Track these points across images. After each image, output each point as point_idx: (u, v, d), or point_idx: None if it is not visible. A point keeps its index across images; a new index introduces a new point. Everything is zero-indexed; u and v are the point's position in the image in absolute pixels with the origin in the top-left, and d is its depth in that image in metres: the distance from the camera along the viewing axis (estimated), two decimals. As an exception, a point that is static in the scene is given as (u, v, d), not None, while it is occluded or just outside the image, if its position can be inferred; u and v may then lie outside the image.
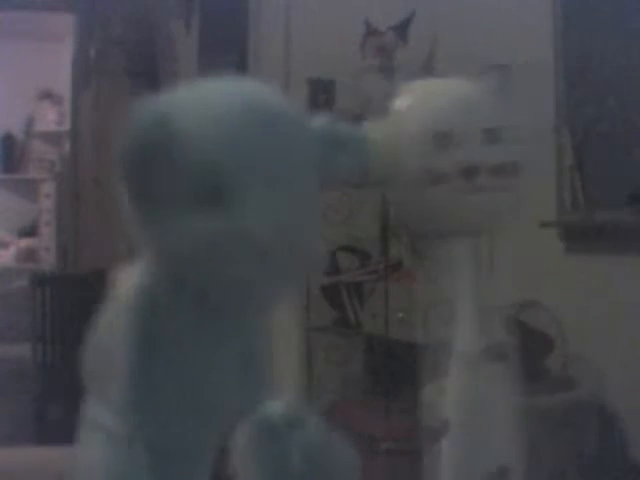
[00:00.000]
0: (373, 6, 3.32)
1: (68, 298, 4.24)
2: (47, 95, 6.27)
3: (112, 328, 1.01)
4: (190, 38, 4.68)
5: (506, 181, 1.36)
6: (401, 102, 1.38)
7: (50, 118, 6.32)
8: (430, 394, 2.74)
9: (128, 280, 1.02)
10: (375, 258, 3.42)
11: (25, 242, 6.30)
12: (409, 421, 2.72)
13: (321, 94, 3.41)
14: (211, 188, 0.94)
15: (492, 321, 1.53)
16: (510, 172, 1.36)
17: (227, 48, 4.44)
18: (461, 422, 1.47)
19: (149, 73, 5.13)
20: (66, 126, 5.98)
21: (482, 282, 1.53)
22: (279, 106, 1.01)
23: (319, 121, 1.07)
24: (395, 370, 3.04)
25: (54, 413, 4.37)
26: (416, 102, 1.39)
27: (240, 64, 4.02)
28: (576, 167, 2.71)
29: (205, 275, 0.96)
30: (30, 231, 6.30)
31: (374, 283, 3.27)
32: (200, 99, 0.98)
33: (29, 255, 6.24)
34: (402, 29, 3.17)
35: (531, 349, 2.65)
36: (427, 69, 3.28)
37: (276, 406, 1.12)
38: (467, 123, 1.35)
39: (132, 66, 5.47)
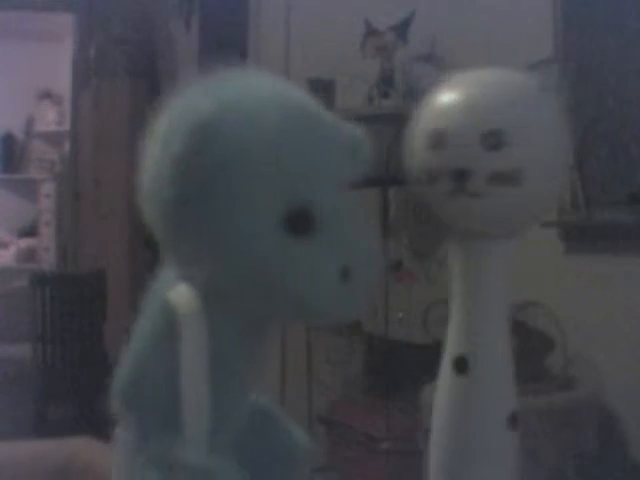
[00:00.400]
0: (373, 6, 3.32)
1: (68, 298, 4.25)
2: (47, 95, 6.27)
3: (169, 351, 0.93)
4: (190, 38, 4.68)
5: (505, 189, 1.29)
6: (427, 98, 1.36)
7: (50, 118, 6.33)
8: (430, 394, 2.74)
9: (170, 295, 0.96)
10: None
11: (25, 242, 6.30)
12: (409, 421, 2.73)
13: (321, 94, 3.41)
14: (299, 206, 0.90)
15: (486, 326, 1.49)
16: (510, 180, 1.29)
17: (227, 48, 4.45)
18: (438, 430, 1.43)
19: (149, 73, 5.14)
20: (66, 126, 5.99)
21: (482, 287, 1.48)
22: (321, 110, 1.00)
23: (346, 126, 1.04)
24: (395, 370, 3.04)
25: (54, 413, 4.38)
26: (428, 97, 1.35)
27: (240, 64, 4.02)
28: (576, 167, 2.71)
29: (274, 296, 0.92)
30: (30, 231, 6.30)
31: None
32: (251, 101, 0.93)
33: (29, 255, 6.24)
34: (402, 29, 3.17)
35: (531, 349, 2.65)
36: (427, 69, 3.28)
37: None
38: (465, 123, 1.29)
39: (132, 66, 5.47)
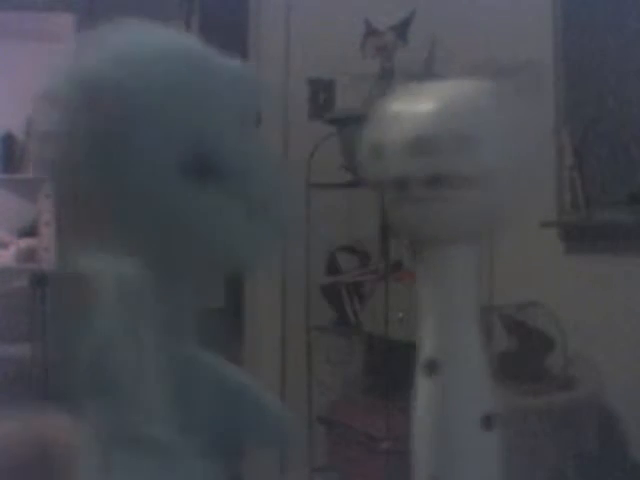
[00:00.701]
0: (373, 6, 3.32)
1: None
2: (47, 95, 6.27)
3: (111, 328, 0.94)
4: (190, 38, 4.68)
5: (442, 192, 1.31)
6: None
7: (50, 118, 6.33)
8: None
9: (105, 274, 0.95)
10: (375, 258, 3.42)
11: (25, 242, 6.30)
12: (409, 421, 2.72)
13: (321, 94, 3.41)
14: (198, 152, 0.92)
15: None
16: (447, 184, 1.30)
17: (227, 48, 4.44)
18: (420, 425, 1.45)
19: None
20: (66, 126, 5.99)
21: (456, 289, 1.48)
22: (210, 53, 1.02)
23: (231, 63, 1.06)
24: (395, 370, 3.04)
25: (54, 413, 4.38)
26: (372, 114, 1.39)
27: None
28: (576, 167, 2.71)
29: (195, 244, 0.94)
30: (30, 231, 6.30)
31: (374, 283, 3.27)
32: (139, 54, 0.95)
33: (29, 255, 6.24)
34: (402, 29, 3.17)
35: (531, 349, 2.65)
36: (427, 69, 3.28)
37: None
38: (397, 133, 1.32)
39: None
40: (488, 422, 1.40)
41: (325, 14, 3.45)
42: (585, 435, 2.50)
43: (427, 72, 3.28)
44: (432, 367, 1.40)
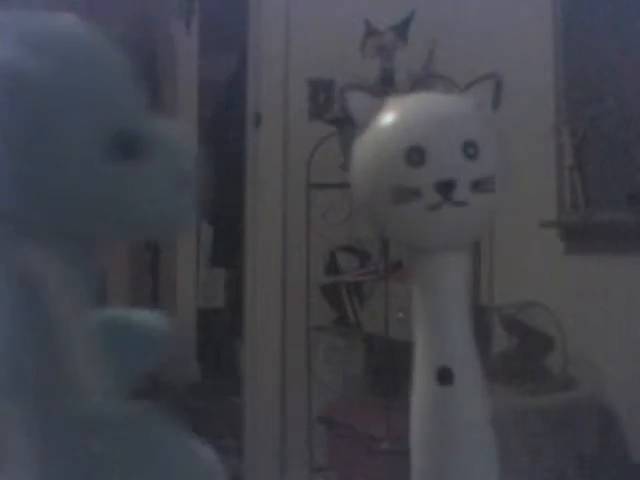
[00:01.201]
0: (373, 6, 3.31)
1: None
2: (47, 95, 6.27)
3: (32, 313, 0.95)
4: (190, 38, 4.68)
5: (484, 196, 1.35)
6: (379, 118, 1.37)
7: (50, 118, 6.33)
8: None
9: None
10: (375, 258, 3.42)
11: None
12: (409, 421, 2.72)
13: (321, 94, 3.41)
14: (118, 131, 0.94)
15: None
16: (488, 186, 1.35)
17: (227, 48, 4.44)
18: (420, 444, 1.44)
19: (149, 73, 5.13)
20: (66, 126, 5.99)
21: (459, 295, 1.48)
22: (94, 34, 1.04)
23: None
24: (395, 370, 3.03)
25: None
26: (391, 118, 1.37)
27: (240, 64, 4.02)
28: (576, 167, 2.71)
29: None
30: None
31: (374, 283, 3.27)
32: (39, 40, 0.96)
33: (29, 255, 6.24)
34: (402, 29, 3.17)
35: (531, 349, 2.65)
36: (427, 69, 3.28)
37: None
38: (443, 137, 1.33)
39: (132, 66, 5.46)
40: (492, 423, 1.41)
41: (325, 14, 3.45)
42: (585, 435, 2.50)
43: (427, 72, 3.28)
44: (447, 376, 1.40)
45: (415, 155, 1.31)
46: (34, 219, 0.94)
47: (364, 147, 1.37)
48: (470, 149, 1.32)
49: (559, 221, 2.79)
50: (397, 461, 2.91)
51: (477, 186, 1.33)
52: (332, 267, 3.45)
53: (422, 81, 3.17)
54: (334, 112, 3.29)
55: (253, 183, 3.49)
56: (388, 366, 3.04)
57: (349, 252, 3.47)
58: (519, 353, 2.66)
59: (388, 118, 1.37)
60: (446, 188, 1.30)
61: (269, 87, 3.49)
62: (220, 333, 4.61)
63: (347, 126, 3.13)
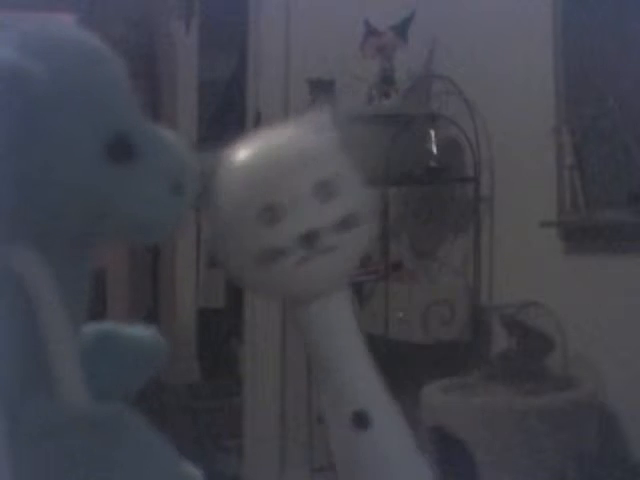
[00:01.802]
0: (373, 6, 3.31)
1: None
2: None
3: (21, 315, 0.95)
4: (190, 38, 4.68)
5: (353, 232, 1.24)
6: (221, 174, 1.23)
7: (50, 118, 6.32)
8: (430, 394, 2.75)
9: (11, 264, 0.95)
10: (375, 258, 3.42)
11: None
12: (409, 421, 2.72)
13: (321, 94, 3.41)
14: (116, 135, 0.95)
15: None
16: (354, 222, 1.24)
17: (227, 48, 4.44)
18: None
19: (149, 73, 5.13)
20: (66, 126, 5.98)
21: (357, 333, 1.38)
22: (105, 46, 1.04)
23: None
24: (395, 370, 3.03)
25: None
26: (233, 174, 1.24)
27: (240, 64, 4.02)
28: (576, 167, 2.71)
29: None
30: None
31: (374, 283, 3.27)
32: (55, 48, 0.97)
33: None
34: (402, 29, 3.17)
35: (531, 349, 2.65)
36: (427, 69, 3.28)
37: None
38: (295, 185, 1.21)
39: (132, 66, 5.47)
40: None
41: (325, 14, 3.45)
42: (585, 435, 2.50)
43: (427, 72, 3.28)
44: (362, 420, 1.28)
45: (268, 214, 1.19)
46: (29, 221, 0.94)
47: (214, 214, 1.24)
48: (324, 190, 1.21)
49: (559, 221, 2.79)
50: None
51: (343, 226, 1.22)
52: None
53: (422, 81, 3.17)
54: (334, 112, 3.28)
55: (253, 183, 3.49)
56: (388, 366, 3.04)
57: (349, 252, 3.47)
58: (519, 353, 2.66)
59: (228, 177, 1.23)
60: (310, 240, 1.20)
61: (269, 87, 3.49)
62: (220, 333, 4.61)
63: (348, 126, 3.13)
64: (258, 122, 3.47)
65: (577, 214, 2.72)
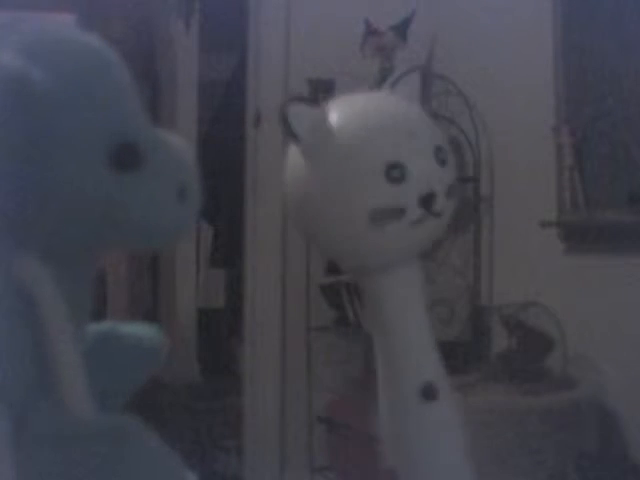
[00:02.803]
0: (373, 6, 3.32)
1: None
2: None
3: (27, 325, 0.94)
4: (190, 38, 4.68)
5: (451, 203, 1.28)
6: (336, 131, 1.24)
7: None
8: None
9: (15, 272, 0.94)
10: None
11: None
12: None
13: (321, 94, 3.41)
14: (121, 142, 0.94)
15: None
16: (455, 192, 1.29)
17: (227, 48, 4.44)
18: (403, 465, 1.38)
19: (149, 73, 5.13)
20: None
21: (422, 307, 1.40)
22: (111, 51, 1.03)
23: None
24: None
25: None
26: (355, 131, 1.25)
27: (240, 64, 4.02)
28: (576, 167, 2.71)
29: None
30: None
31: (374, 283, 3.26)
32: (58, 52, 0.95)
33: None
34: (402, 29, 3.17)
35: (531, 349, 2.65)
36: (427, 69, 3.28)
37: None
38: (420, 146, 1.25)
39: (132, 66, 5.47)
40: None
41: (325, 14, 3.45)
42: (585, 435, 2.50)
43: (427, 72, 3.28)
44: (430, 392, 1.34)
45: (395, 172, 1.21)
46: (34, 227, 0.93)
47: (327, 168, 1.24)
48: (441, 154, 1.26)
49: (559, 221, 2.79)
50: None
51: (449, 193, 1.27)
52: (332, 267, 3.45)
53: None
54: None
55: (253, 183, 3.49)
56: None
57: (349, 252, 3.47)
58: (519, 353, 2.66)
59: (349, 133, 1.24)
60: (429, 202, 1.23)
61: (269, 87, 3.49)
62: (220, 333, 4.61)
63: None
64: (258, 122, 3.47)
65: (577, 214, 2.72)
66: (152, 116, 1.02)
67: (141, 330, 1.18)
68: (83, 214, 0.93)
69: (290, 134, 1.24)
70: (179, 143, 1.05)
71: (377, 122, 1.26)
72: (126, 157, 0.94)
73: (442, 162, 1.25)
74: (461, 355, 2.94)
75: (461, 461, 1.37)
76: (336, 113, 1.25)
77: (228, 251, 4.44)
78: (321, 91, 3.38)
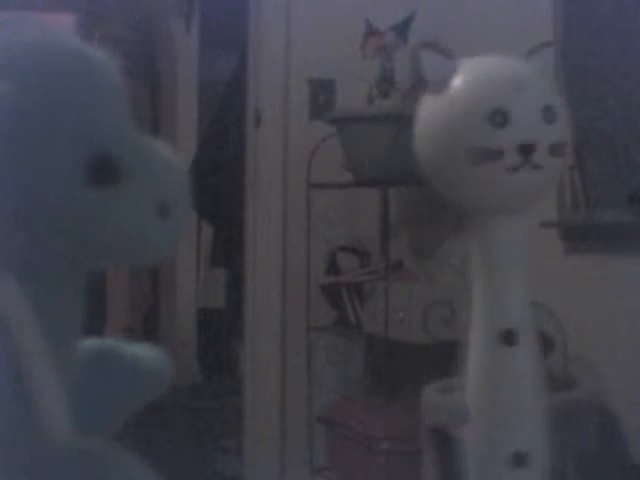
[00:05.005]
0: (373, 6, 3.32)
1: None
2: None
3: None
4: (190, 38, 4.68)
5: (558, 160, 1.39)
6: (456, 79, 1.40)
7: (50, 118, 6.31)
8: (430, 394, 2.74)
9: None
10: (375, 258, 3.42)
11: None
12: (409, 421, 2.72)
13: (321, 94, 3.41)
14: (99, 155, 0.89)
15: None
16: (562, 151, 1.39)
17: (227, 48, 4.44)
18: (480, 407, 1.46)
19: (149, 73, 5.13)
20: (66, 126, 5.97)
21: (518, 259, 1.48)
22: (93, 53, 0.98)
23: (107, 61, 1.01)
24: (395, 370, 3.04)
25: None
26: (472, 79, 1.41)
27: (240, 64, 4.02)
28: (576, 167, 2.71)
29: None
30: None
31: (374, 283, 3.27)
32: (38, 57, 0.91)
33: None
34: (402, 29, 3.17)
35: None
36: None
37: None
38: (527, 101, 1.37)
39: (132, 66, 5.47)
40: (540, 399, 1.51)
41: (325, 14, 3.45)
42: (585, 435, 2.50)
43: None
44: (512, 337, 1.42)
45: (499, 117, 1.33)
46: (9, 248, 0.89)
47: (439, 108, 1.39)
48: (549, 114, 1.37)
49: (559, 221, 2.79)
50: (397, 461, 2.92)
51: (553, 150, 1.36)
52: (332, 267, 3.45)
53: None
54: (334, 112, 3.29)
55: (253, 183, 3.49)
56: (388, 366, 3.04)
57: (349, 252, 3.47)
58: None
59: (468, 79, 1.41)
60: (527, 150, 1.33)
61: (269, 87, 3.49)
62: (220, 333, 4.61)
63: (347, 126, 3.13)
64: (258, 122, 3.47)
65: (577, 214, 2.72)
66: (152, 116, 0.99)
67: (144, 352, 1.13)
68: (56, 229, 0.89)
69: (420, 79, 1.42)
70: (168, 155, 0.99)
71: (492, 74, 1.45)
72: (102, 171, 0.89)
73: (549, 121, 1.37)
74: (462, 355, 2.94)
75: (535, 408, 1.52)
76: (463, 66, 1.45)
77: (228, 251, 4.44)
78: (321, 91, 3.39)
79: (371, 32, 3.21)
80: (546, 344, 2.65)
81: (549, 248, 2.84)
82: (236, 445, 3.57)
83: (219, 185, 4.01)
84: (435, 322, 2.95)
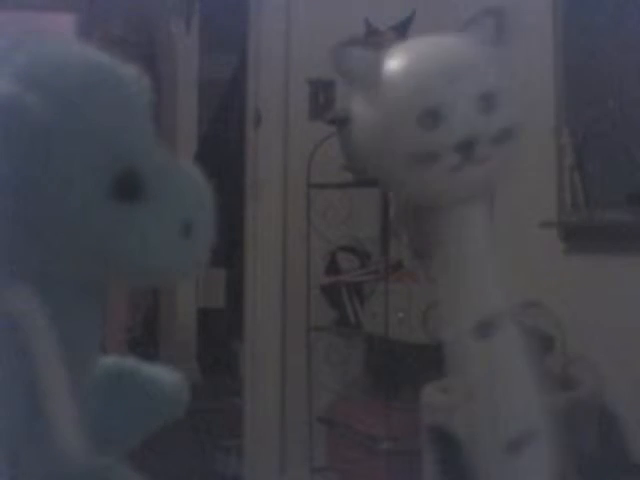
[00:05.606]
0: (373, 6, 3.32)
1: None
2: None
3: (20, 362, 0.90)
4: (190, 38, 4.69)
5: (506, 146, 1.28)
6: (383, 77, 1.25)
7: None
8: (430, 394, 2.75)
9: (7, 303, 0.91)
10: (375, 258, 3.42)
11: None
12: (409, 421, 2.73)
13: (321, 94, 3.41)
14: (124, 170, 0.88)
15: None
16: (509, 137, 1.28)
17: (227, 48, 4.44)
18: (479, 390, 1.41)
19: (149, 73, 5.14)
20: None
21: (489, 246, 1.42)
22: (109, 61, 0.98)
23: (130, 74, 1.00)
24: (395, 370, 3.04)
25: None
26: (398, 77, 1.25)
27: (240, 64, 4.02)
28: (576, 167, 2.71)
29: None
30: None
31: (374, 283, 3.27)
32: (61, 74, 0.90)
33: None
34: (402, 29, 3.17)
35: (531, 349, 2.65)
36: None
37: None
38: (458, 92, 1.24)
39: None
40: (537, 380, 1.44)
41: (325, 14, 3.45)
42: (585, 435, 2.50)
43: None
44: (487, 328, 1.35)
45: (430, 118, 1.21)
46: (29, 261, 0.89)
47: (371, 110, 1.26)
48: (488, 101, 1.25)
49: (559, 221, 2.79)
50: (397, 461, 2.92)
51: (498, 139, 1.26)
52: (332, 267, 3.45)
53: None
54: (334, 112, 3.29)
55: (253, 183, 3.49)
56: (388, 366, 3.04)
57: (349, 252, 3.47)
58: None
59: (393, 78, 1.25)
60: (466, 148, 1.22)
61: (269, 87, 3.49)
62: (220, 333, 4.61)
63: (347, 126, 3.13)
64: (258, 122, 3.47)
65: (577, 214, 2.72)
66: (152, 116, 0.98)
67: (163, 375, 1.12)
68: (77, 242, 0.88)
69: (343, 75, 1.28)
70: (194, 175, 0.97)
71: (420, 68, 1.27)
72: (126, 186, 0.88)
73: (488, 109, 1.25)
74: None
75: (524, 394, 1.44)
76: (391, 59, 1.27)
77: (228, 251, 4.44)
78: (321, 91, 3.39)
79: (371, 32, 3.21)
80: (546, 344, 2.65)
81: (549, 248, 2.84)
82: (236, 445, 3.57)
83: (219, 185, 4.01)
84: (435, 322, 2.95)
